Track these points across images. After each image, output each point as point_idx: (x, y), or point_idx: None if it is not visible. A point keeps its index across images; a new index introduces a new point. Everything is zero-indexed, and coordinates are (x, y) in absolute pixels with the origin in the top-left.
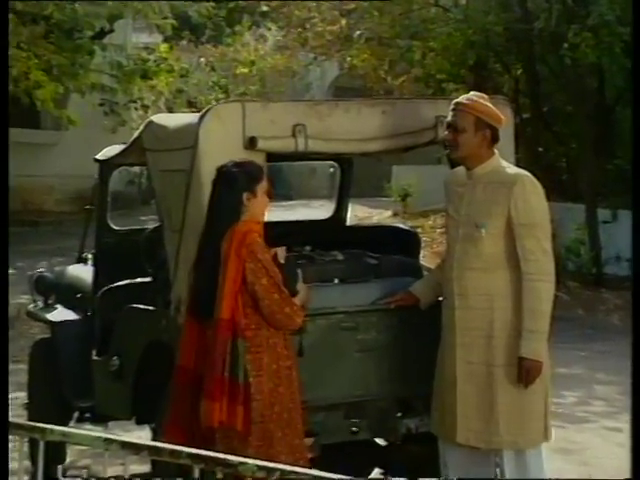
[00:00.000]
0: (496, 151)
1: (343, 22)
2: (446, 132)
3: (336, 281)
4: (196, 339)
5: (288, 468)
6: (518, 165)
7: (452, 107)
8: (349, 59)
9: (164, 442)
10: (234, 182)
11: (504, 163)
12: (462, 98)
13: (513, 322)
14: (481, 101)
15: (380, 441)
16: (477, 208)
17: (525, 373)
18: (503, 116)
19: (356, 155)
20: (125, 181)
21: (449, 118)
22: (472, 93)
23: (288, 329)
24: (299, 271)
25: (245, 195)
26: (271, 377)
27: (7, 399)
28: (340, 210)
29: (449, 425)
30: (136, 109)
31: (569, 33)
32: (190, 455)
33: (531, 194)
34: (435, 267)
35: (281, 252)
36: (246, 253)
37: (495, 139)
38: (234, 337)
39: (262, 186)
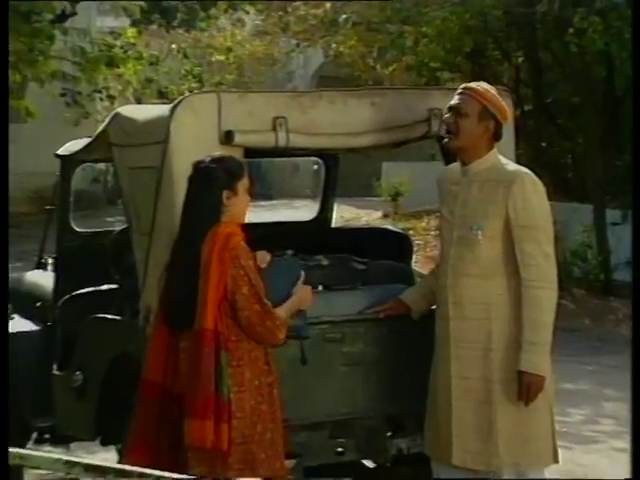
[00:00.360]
0: (494, 148)
1: (328, 5)
2: (447, 115)
3: (320, 288)
4: (166, 350)
5: None
6: (519, 162)
7: (459, 91)
8: (334, 46)
9: (128, 464)
10: (213, 179)
11: (503, 160)
12: (472, 84)
13: (512, 333)
14: (491, 91)
15: (368, 463)
16: (473, 209)
17: (525, 389)
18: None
19: (342, 151)
20: (89, 179)
21: (453, 101)
22: (482, 82)
23: (269, 343)
24: (302, 272)
25: (225, 193)
26: (253, 394)
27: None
28: (325, 211)
29: (444, 445)
30: (101, 100)
31: (575, 17)
32: (161, 479)
33: (531, 193)
34: (428, 273)
35: (261, 256)
36: (229, 258)
37: (498, 136)
38: (217, 349)
39: (243, 183)
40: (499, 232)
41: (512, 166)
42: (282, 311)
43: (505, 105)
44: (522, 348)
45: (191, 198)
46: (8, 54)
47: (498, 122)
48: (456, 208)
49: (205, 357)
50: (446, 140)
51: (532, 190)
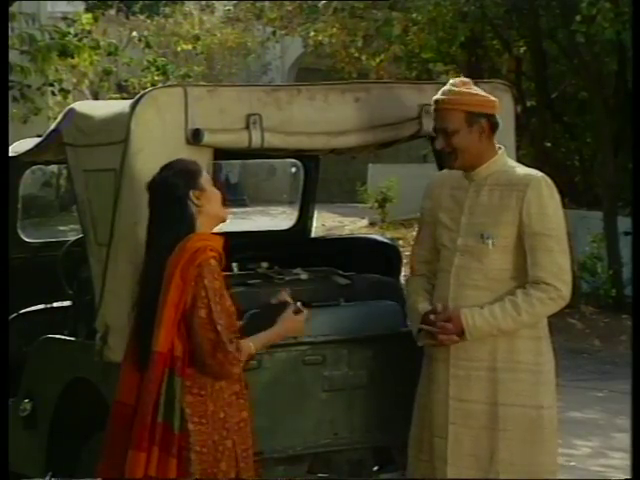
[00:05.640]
0: (502, 147)
1: None
2: (438, 140)
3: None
4: (138, 373)
5: None
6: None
7: (433, 107)
8: (314, 34)
9: None
10: (172, 186)
11: (512, 162)
12: (441, 94)
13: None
14: (464, 89)
15: None
16: (482, 215)
17: (444, 318)
18: (501, 104)
19: (323, 152)
20: (40, 183)
21: (436, 123)
22: (451, 82)
23: (219, 378)
24: (286, 293)
25: (192, 193)
26: (217, 428)
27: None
28: (304, 218)
29: (435, 476)
30: (53, 94)
31: (583, 2)
32: None
33: (548, 198)
34: (418, 289)
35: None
36: (192, 276)
37: (494, 126)
38: (171, 374)
39: (205, 178)
40: (511, 241)
41: (524, 169)
42: (255, 341)
43: (485, 94)
44: (478, 309)
45: (156, 213)
46: (8, 54)
47: (489, 115)
48: (461, 215)
49: (152, 383)
50: (448, 163)
51: (549, 195)
